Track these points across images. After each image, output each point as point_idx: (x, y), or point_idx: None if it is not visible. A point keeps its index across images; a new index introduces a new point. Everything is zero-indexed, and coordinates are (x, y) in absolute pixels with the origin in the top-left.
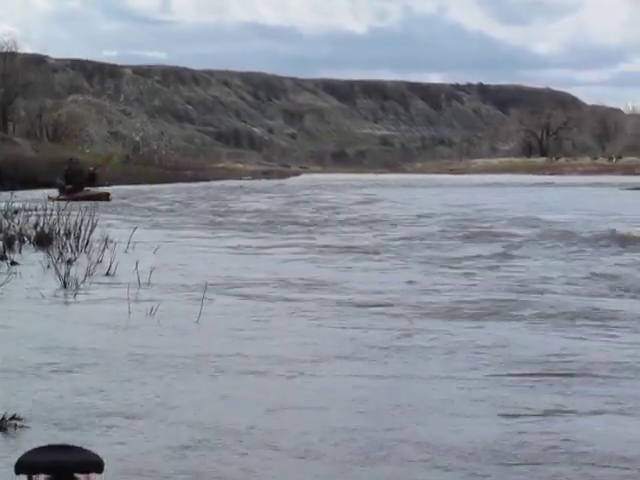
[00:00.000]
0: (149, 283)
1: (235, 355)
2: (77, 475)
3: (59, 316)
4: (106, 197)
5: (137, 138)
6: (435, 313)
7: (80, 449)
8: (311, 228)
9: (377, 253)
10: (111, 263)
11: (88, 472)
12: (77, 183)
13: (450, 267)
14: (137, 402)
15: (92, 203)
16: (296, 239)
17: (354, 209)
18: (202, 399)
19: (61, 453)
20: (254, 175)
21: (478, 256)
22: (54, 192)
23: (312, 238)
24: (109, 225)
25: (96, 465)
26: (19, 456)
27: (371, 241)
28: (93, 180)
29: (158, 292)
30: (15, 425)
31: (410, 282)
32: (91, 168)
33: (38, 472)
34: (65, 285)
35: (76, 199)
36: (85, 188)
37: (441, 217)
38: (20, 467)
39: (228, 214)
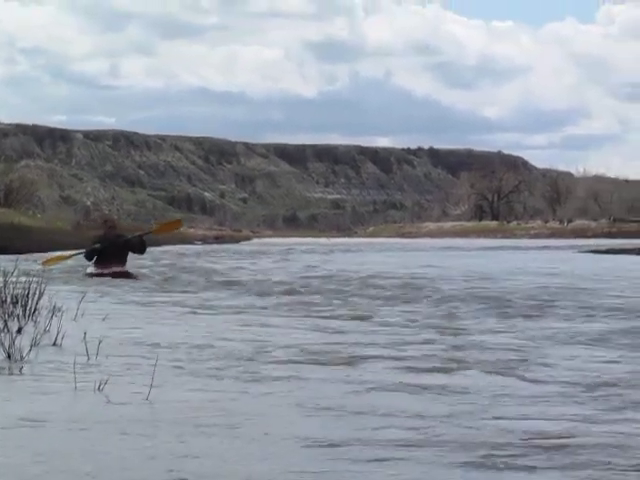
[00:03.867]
0: (97, 354)
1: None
2: None
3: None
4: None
5: (88, 203)
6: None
7: None
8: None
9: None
10: (58, 332)
11: None
12: (119, 253)
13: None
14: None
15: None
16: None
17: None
18: None
19: None
20: (205, 239)
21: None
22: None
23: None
24: (57, 292)
25: None
26: None
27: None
28: (142, 249)
29: (106, 364)
30: None
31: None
32: (137, 233)
33: None
34: (9, 356)
35: (122, 275)
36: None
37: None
38: None
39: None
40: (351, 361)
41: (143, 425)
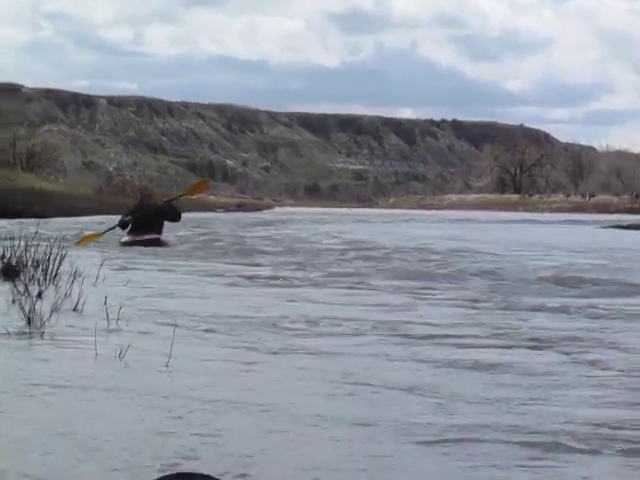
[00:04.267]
0: (117, 320)
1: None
2: None
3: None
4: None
5: (111, 168)
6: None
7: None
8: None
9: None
10: (79, 298)
11: None
12: (153, 221)
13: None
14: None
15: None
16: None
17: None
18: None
19: None
20: (226, 207)
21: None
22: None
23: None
24: (79, 257)
25: None
26: None
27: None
28: (176, 216)
29: (127, 331)
30: None
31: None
32: (165, 199)
33: None
34: (30, 322)
35: (154, 243)
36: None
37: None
38: None
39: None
40: (409, 338)
41: (160, 397)
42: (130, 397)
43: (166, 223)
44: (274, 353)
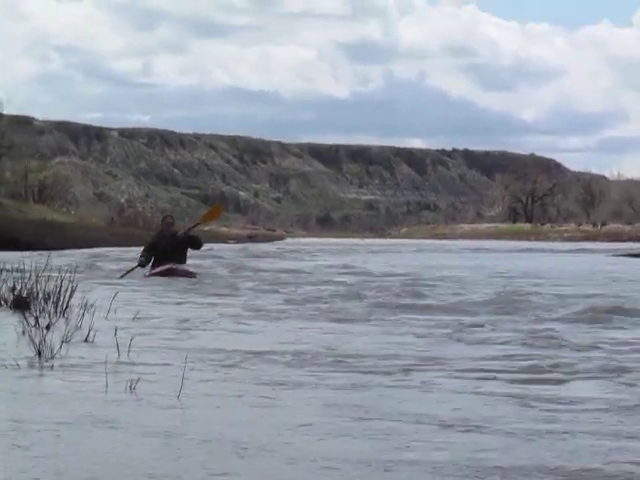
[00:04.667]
0: (129, 352)
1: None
2: None
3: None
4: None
5: (122, 200)
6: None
7: None
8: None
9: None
10: (90, 329)
11: None
12: (175, 251)
13: None
14: None
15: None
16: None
17: None
18: None
19: None
20: (238, 239)
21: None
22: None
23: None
24: (90, 290)
25: None
26: None
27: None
28: (197, 244)
29: (138, 363)
30: None
31: None
32: (183, 231)
33: None
34: (40, 353)
35: (178, 273)
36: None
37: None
38: None
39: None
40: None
41: (171, 435)
42: (137, 434)
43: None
44: (287, 387)
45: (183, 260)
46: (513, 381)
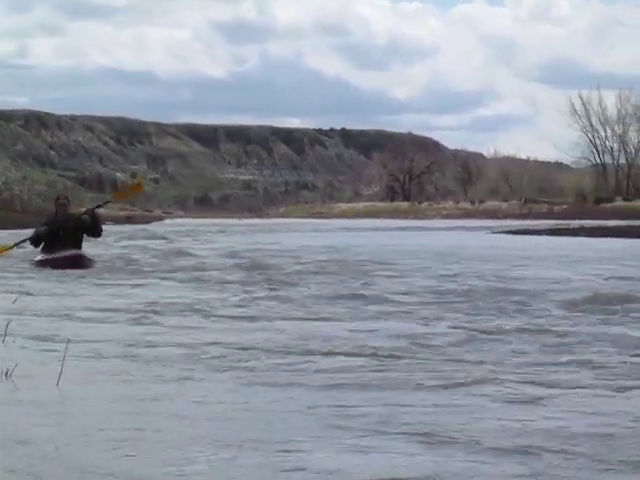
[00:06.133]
0: (4, 336)
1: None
2: None
3: None
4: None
5: None
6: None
7: None
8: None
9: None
10: None
11: None
12: (70, 236)
13: None
14: None
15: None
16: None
17: None
18: None
19: None
20: (116, 220)
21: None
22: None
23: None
24: None
25: None
26: None
27: None
28: (96, 230)
29: (15, 349)
30: None
31: None
32: (90, 207)
33: None
34: None
35: (75, 261)
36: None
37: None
38: None
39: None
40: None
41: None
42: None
43: None
44: (181, 382)
45: (78, 246)
46: None
